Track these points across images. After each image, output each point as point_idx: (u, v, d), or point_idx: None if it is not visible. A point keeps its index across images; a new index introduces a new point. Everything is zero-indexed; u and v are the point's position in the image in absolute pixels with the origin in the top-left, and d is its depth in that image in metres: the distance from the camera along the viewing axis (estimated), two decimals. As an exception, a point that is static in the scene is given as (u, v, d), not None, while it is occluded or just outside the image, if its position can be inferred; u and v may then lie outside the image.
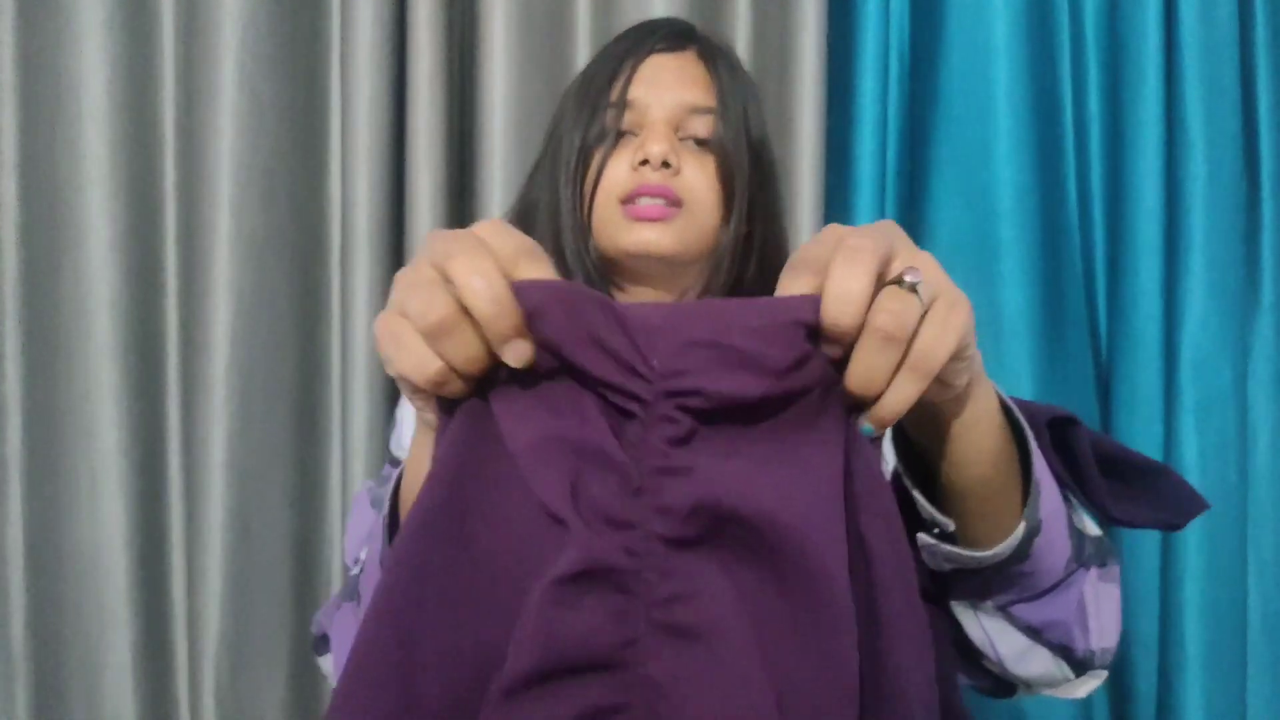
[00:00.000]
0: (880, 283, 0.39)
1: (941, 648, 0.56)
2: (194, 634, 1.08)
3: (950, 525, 0.51)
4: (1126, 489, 0.56)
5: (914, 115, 1.19)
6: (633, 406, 0.40)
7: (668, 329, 0.40)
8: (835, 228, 0.41)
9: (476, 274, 0.38)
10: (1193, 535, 1.13)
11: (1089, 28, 1.19)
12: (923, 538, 0.51)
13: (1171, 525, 0.57)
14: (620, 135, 0.73)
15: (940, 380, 0.42)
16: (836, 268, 0.38)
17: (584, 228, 0.73)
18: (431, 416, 0.44)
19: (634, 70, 0.74)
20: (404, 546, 0.41)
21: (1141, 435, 1.14)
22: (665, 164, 0.70)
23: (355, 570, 0.65)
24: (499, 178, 1.07)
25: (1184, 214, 1.15)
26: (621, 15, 1.11)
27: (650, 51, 0.75)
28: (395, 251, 1.09)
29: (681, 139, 0.73)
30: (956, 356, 0.41)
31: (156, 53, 1.09)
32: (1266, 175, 1.19)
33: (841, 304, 0.37)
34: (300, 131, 1.10)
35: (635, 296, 0.75)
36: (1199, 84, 1.14)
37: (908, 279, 0.39)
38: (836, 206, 1.14)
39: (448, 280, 0.38)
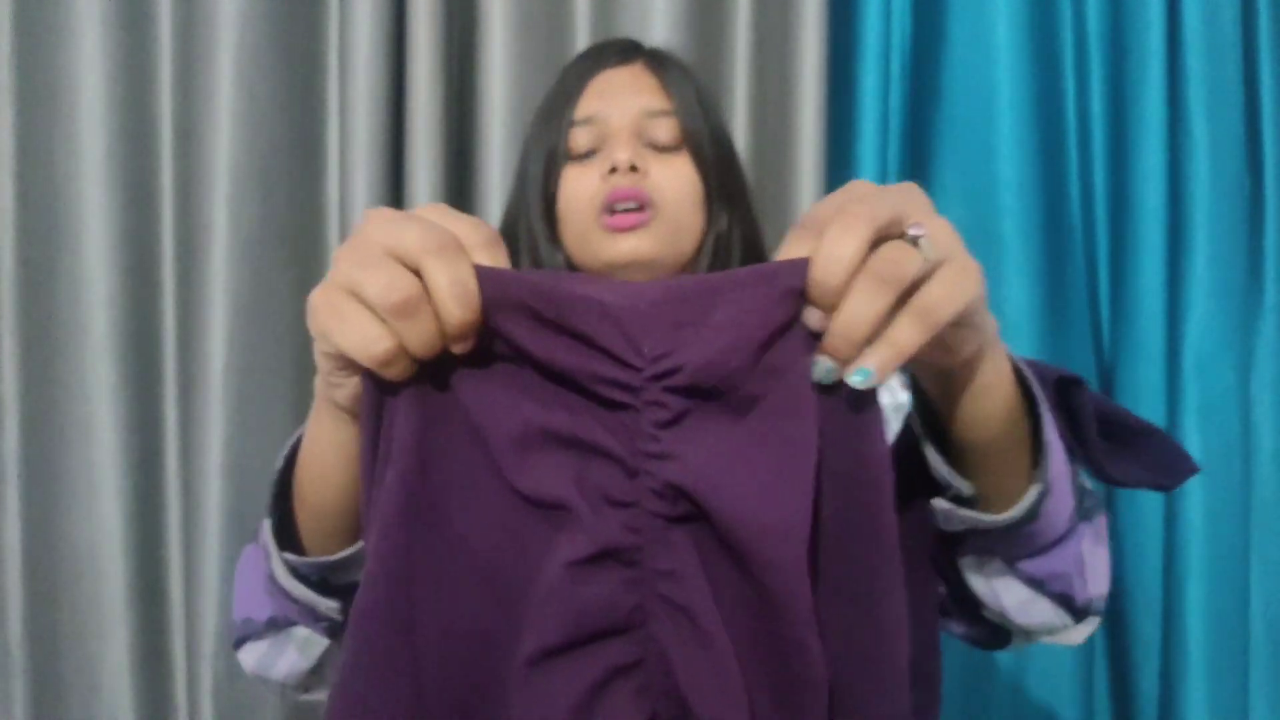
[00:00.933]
0: (883, 242, 0.39)
1: (926, 611, 0.57)
2: (191, 634, 1.07)
3: (967, 489, 0.52)
4: (1122, 449, 0.58)
5: (916, 113, 1.19)
6: (622, 396, 0.41)
7: (655, 315, 0.41)
8: (857, 185, 0.42)
9: (449, 279, 0.38)
10: (1195, 535, 1.13)
11: (1092, 25, 1.18)
12: (938, 502, 0.52)
13: (1162, 486, 0.58)
14: (586, 154, 0.75)
15: (946, 345, 0.43)
16: (831, 230, 0.38)
17: (559, 247, 0.74)
18: (344, 396, 0.44)
19: (588, 87, 0.76)
20: (386, 537, 0.42)
21: (1144, 435, 1.13)
22: (632, 168, 0.71)
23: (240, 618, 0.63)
24: (498, 178, 1.07)
25: (1187, 213, 1.14)
26: (621, 15, 1.11)
27: (601, 68, 0.77)
28: (393, 251, 1.08)
29: (645, 145, 0.74)
30: (962, 322, 0.41)
31: (154, 51, 1.09)
32: (1270, 175, 1.18)
33: (829, 264, 0.38)
34: (298, 130, 1.09)
35: None
36: (1202, 83, 1.14)
37: (910, 233, 0.39)
38: (837, 205, 1.13)
39: (409, 267, 0.39)
